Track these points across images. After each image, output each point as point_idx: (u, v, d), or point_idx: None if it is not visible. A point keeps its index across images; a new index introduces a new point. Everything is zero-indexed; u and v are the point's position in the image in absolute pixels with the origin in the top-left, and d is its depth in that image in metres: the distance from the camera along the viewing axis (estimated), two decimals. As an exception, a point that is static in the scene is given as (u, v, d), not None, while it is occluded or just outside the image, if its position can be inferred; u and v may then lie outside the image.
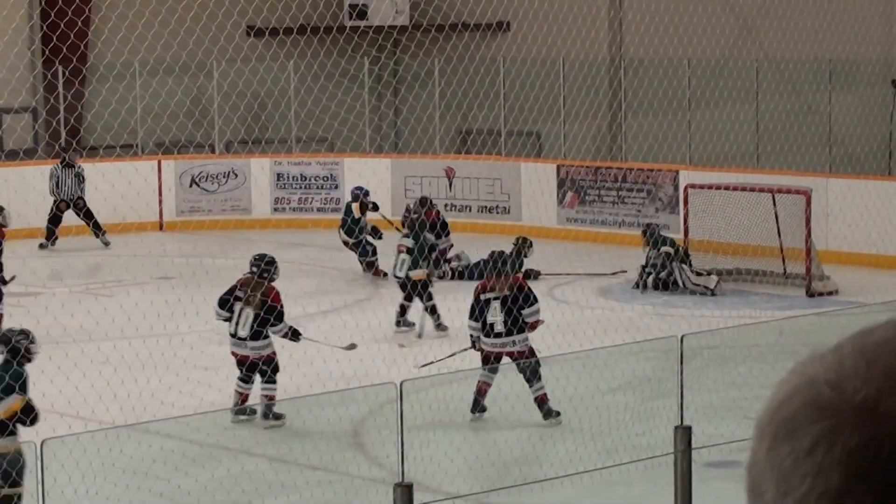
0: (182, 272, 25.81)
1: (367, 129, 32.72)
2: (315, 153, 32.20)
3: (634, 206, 28.74)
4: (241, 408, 16.43)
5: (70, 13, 27.15)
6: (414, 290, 20.81)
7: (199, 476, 13.81)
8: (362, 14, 34.09)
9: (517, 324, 16.77)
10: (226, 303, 17.47)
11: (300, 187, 31.35)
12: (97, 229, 28.93)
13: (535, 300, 17.21)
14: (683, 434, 9.16)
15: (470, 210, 30.34)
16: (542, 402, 16.00)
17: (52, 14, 28.51)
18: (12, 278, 22.12)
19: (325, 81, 31.79)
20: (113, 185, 27.78)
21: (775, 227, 24.54)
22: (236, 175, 31.12)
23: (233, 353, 17.28)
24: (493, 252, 18.32)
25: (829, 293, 23.54)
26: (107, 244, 28.88)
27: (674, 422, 9.23)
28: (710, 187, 25.57)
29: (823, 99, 28.83)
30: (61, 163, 29.29)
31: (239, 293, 17.44)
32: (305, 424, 14.62)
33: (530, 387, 16.15)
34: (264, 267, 17.70)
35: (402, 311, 21.19)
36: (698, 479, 9.00)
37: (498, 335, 16.77)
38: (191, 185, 30.94)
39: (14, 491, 12.04)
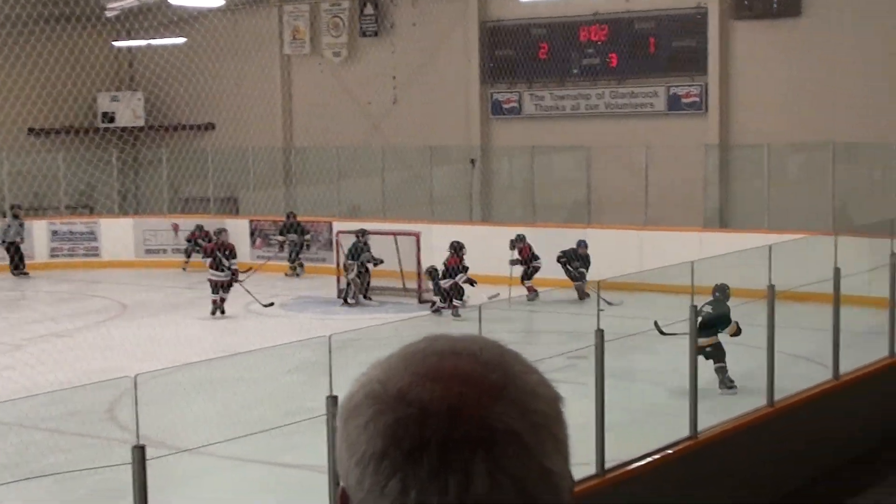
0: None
1: (117, 199, 32.15)
2: (79, 215, 31.40)
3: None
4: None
5: None
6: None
7: None
8: (111, 119, 33.40)
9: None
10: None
11: (69, 240, 30.48)
12: (21, 264, 28.50)
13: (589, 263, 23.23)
14: (333, 401, 9.16)
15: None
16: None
17: None
18: None
19: (86, 166, 31.22)
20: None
21: (397, 258, 24.80)
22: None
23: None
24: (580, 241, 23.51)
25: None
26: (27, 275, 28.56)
27: (326, 392, 9.22)
28: (355, 233, 25.75)
29: (427, 172, 29.26)
30: (13, 217, 28.58)
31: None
32: (77, 406, 14.25)
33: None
34: (453, 251, 22.73)
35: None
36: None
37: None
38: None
39: None
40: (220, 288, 23.03)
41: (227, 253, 23.37)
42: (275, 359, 16.34)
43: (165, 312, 23.14)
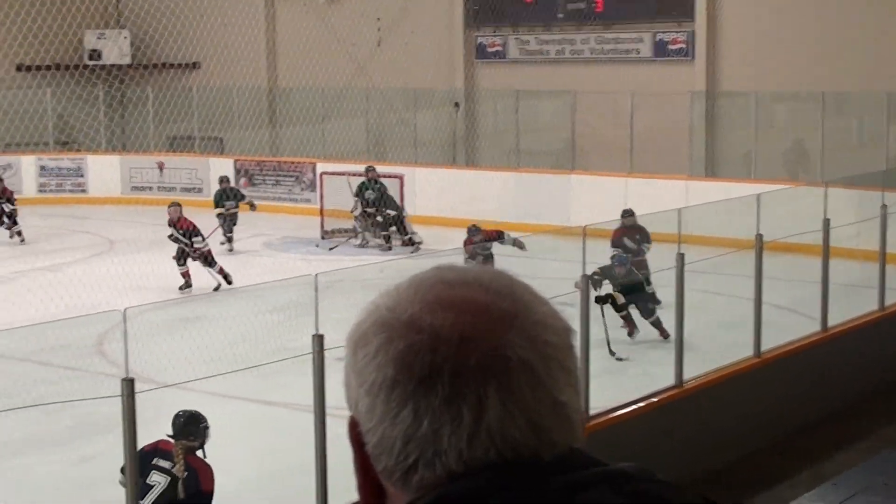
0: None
1: (104, 136, 31.86)
2: (66, 152, 31.10)
3: (287, 187, 28.49)
4: None
5: None
6: None
7: None
8: (98, 56, 33.00)
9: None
10: None
11: (56, 176, 30.20)
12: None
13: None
14: (318, 339, 8.98)
15: (175, 190, 29.60)
16: None
17: None
18: None
19: (76, 101, 30.93)
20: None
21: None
22: (12, 167, 29.69)
23: None
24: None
25: (417, 244, 23.64)
26: None
27: (312, 331, 9.04)
28: (339, 174, 25.48)
29: (411, 115, 29.03)
30: None
31: None
32: (65, 339, 14.07)
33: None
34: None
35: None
36: (330, 369, 8.82)
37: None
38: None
39: None
40: (188, 257, 19.84)
41: (182, 232, 19.83)
42: (258, 298, 16.17)
43: (152, 249, 22.88)
